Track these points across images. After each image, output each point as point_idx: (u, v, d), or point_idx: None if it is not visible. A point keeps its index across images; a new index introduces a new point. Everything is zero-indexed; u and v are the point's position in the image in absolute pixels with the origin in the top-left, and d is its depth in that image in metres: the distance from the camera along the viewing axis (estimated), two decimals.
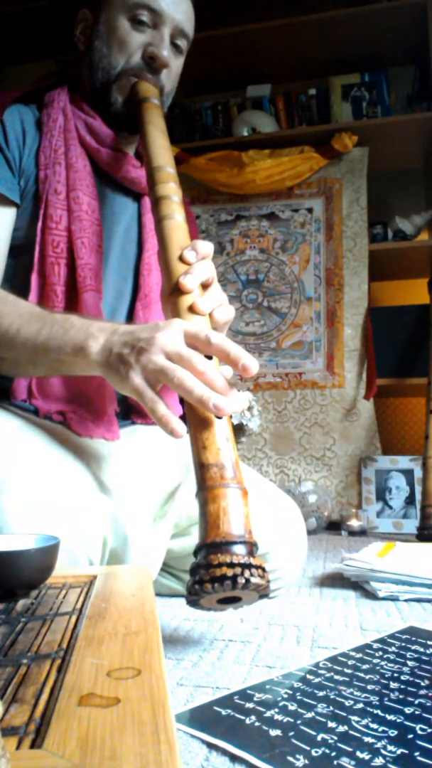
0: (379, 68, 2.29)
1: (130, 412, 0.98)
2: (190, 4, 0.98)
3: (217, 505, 0.59)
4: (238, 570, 0.55)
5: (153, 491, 0.87)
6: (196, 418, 0.64)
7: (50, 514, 0.70)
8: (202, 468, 0.62)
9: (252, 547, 0.58)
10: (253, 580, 0.56)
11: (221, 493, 0.59)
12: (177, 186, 0.85)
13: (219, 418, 0.63)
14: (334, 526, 1.90)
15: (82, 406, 0.88)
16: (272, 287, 2.21)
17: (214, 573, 0.56)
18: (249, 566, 0.56)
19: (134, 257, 1.00)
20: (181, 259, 0.74)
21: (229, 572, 0.55)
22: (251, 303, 2.22)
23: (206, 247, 0.76)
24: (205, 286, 0.75)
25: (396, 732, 0.44)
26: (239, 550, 0.57)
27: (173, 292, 0.73)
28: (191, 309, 0.70)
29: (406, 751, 0.41)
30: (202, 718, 0.47)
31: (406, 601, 0.90)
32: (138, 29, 0.93)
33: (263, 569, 0.58)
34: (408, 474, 1.98)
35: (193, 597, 0.58)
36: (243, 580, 0.55)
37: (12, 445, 0.75)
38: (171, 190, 0.83)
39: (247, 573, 0.56)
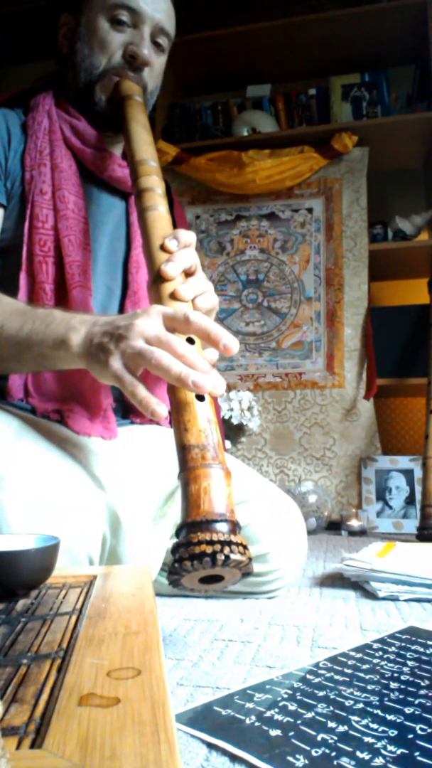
0: (379, 68, 2.29)
1: (129, 411, 0.98)
2: (170, 3, 0.99)
3: (198, 485, 0.58)
4: (218, 547, 0.55)
5: (152, 491, 0.87)
6: (177, 401, 0.63)
7: (50, 513, 0.70)
8: (183, 449, 0.61)
9: (234, 526, 0.57)
10: (234, 556, 0.55)
11: (203, 473, 0.59)
12: (160, 179, 0.86)
13: (201, 399, 0.63)
14: (334, 526, 1.90)
15: (79, 403, 0.88)
16: (272, 287, 2.21)
17: (193, 551, 0.55)
18: (229, 543, 0.55)
19: (123, 255, 1.01)
20: (163, 247, 0.74)
21: (209, 549, 0.54)
22: (251, 303, 2.22)
23: (188, 236, 0.76)
24: (188, 274, 0.75)
25: (396, 732, 0.44)
26: (220, 527, 0.56)
27: (156, 280, 0.73)
28: (173, 295, 0.70)
29: (406, 751, 0.41)
30: (202, 718, 0.47)
31: (406, 601, 0.90)
32: (118, 29, 0.94)
33: (245, 546, 0.57)
34: (408, 474, 1.98)
35: (174, 576, 0.57)
36: (223, 557, 0.54)
37: (11, 444, 0.75)
38: (154, 182, 0.84)
39: (227, 550, 0.55)
